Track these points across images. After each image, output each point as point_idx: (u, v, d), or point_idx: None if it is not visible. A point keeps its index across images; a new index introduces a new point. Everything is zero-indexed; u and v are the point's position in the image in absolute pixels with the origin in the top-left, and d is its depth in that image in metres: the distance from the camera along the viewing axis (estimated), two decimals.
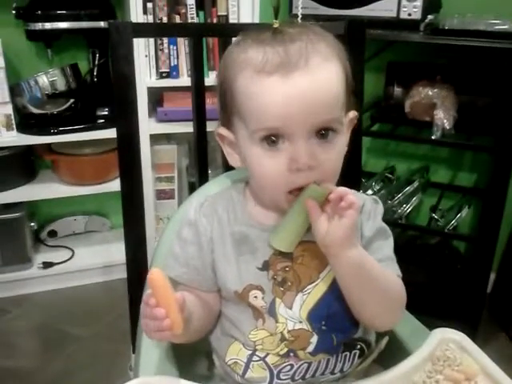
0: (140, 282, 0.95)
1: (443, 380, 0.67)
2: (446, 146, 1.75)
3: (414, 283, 1.83)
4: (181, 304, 0.60)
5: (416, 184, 1.84)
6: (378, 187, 1.91)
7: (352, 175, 0.86)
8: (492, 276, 1.91)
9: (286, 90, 0.60)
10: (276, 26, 0.64)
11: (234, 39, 0.73)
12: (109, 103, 1.90)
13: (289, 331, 0.69)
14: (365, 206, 0.74)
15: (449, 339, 0.72)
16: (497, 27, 1.46)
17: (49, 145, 1.95)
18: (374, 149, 2.04)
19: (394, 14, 1.57)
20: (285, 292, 0.69)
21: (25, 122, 1.87)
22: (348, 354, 0.71)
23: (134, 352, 0.96)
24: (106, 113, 1.92)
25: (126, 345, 1.04)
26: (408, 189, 1.83)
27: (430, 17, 1.57)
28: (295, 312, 0.69)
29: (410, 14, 1.55)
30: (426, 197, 1.92)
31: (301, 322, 0.69)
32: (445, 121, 1.58)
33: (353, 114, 0.69)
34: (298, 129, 0.62)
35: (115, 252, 2.06)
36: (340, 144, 0.66)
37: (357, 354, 0.72)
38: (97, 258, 2.11)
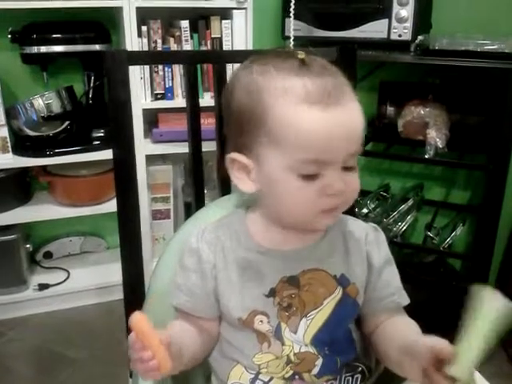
0: (137, 302, 0.95)
1: None
2: (439, 164, 1.76)
3: (410, 301, 1.84)
4: (167, 342, 0.60)
5: (410, 202, 1.85)
6: (372, 205, 1.92)
7: None
8: None
9: (328, 122, 0.62)
10: (302, 57, 0.65)
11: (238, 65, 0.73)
12: (104, 125, 1.91)
13: (295, 354, 0.69)
14: (368, 236, 0.75)
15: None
16: (486, 47, 1.49)
17: (44, 166, 1.95)
18: (369, 167, 2.05)
19: (384, 36, 1.60)
20: (290, 317, 0.70)
21: (20, 144, 1.87)
22: (350, 378, 0.72)
23: (131, 376, 0.96)
24: (102, 134, 1.92)
25: (123, 367, 1.04)
26: (403, 207, 1.84)
27: (420, 37, 1.60)
28: (299, 336, 0.70)
29: (400, 35, 1.58)
30: (421, 215, 1.93)
31: (306, 345, 0.70)
32: (437, 139, 1.60)
33: None
34: (335, 159, 0.64)
35: (111, 273, 2.04)
36: (357, 169, 0.69)
37: (359, 379, 0.72)
38: (93, 278, 2.10)
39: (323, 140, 0.62)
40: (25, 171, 1.95)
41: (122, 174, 0.96)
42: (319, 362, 0.70)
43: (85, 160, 1.90)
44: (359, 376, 0.72)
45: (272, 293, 0.70)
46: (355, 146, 0.65)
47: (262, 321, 0.69)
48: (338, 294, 0.71)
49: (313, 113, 0.62)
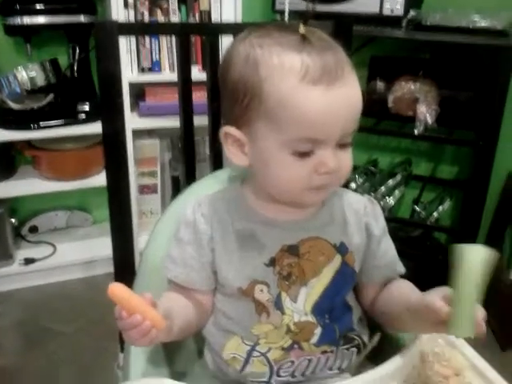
0: (127, 276, 0.95)
1: (432, 375, 0.68)
2: (428, 140, 1.77)
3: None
4: (151, 301, 0.60)
5: (399, 177, 1.86)
6: (361, 180, 1.93)
7: None
8: None
9: (329, 101, 0.61)
10: (303, 31, 0.63)
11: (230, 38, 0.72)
12: (89, 98, 1.88)
13: (295, 323, 0.70)
14: (367, 208, 0.76)
15: (437, 335, 0.73)
16: (478, 24, 1.48)
17: (29, 140, 1.92)
18: (357, 142, 2.02)
19: (376, 10, 1.58)
20: (290, 286, 0.70)
21: (4, 117, 1.83)
22: (346, 350, 0.73)
23: (121, 351, 0.96)
24: (87, 108, 1.89)
25: (111, 341, 1.04)
26: (391, 182, 1.85)
27: (412, 13, 1.59)
28: (300, 305, 0.70)
29: (392, 11, 1.57)
30: (409, 189, 1.94)
31: (306, 314, 0.71)
32: (427, 115, 1.61)
33: None
34: (331, 138, 0.63)
35: (98, 247, 2.04)
36: (351, 148, 0.68)
37: (354, 352, 0.74)
38: (79, 253, 2.09)
39: (320, 120, 0.62)
40: (9, 145, 1.92)
41: (112, 148, 0.95)
42: (318, 330, 0.70)
43: (70, 134, 1.87)
44: (355, 349, 0.73)
45: (272, 262, 0.70)
46: (353, 125, 0.65)
47: (262, 290, 0.70)
48: (336, 262, 0.72)
49: (310, 93, 0.61)
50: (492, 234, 1.93)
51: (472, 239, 1.66)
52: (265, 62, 0.63)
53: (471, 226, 1.65)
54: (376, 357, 0.76)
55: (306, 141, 0.63)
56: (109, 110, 0.93)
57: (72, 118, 1.88)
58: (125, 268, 1.00)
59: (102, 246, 1.91)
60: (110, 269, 1.00)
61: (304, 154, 0.64)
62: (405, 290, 0.73)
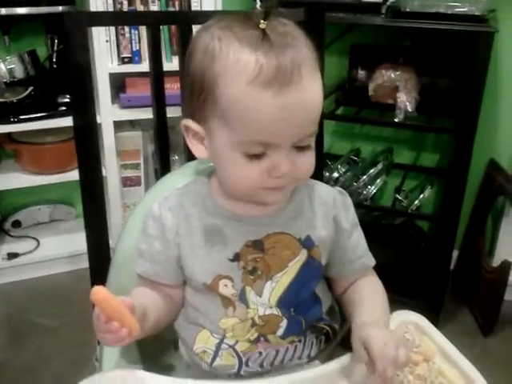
0: (103, 273, 0.95)
1: None
2: (408, 128, 1.78)
3: (380, 262, 1.88)
4: (131, 307, 0.60)
5: (380, 166, 1.86)
6: (343, 170, 1.93)
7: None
8: (455, 253, 1.96)
9: (280, 105, 0.59)
10: (263, 26, 0.60)
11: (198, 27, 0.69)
12: (69, 90, 1.86)
13: (260, 317, 0.70)
14: (336, 200, 0.76)
15: (408, 321, 0.74)
16: (457, 9, 1.48)
17: (9, 134, 1.90)
18: (339, 131, 2.06)
19: None
20: (255, 280, 0.70)
21: None
22: (315, 339, 0.73)
23: (98, 343, 0.96)
24: (67, 100, 1.87)
25: (94, 334, 1.04)
26: (373, 171, 1.85)
27: None
28: (265, 299, 0.70)
29: None
30: (390, 178, 1.95)
31: (271, 307, 0.71)
32: (407, 103, 1.61)
33: None
34: (284, 142, 0.62)
35: (81, 241, 1.98)
36: (314, 146, 0.67)
37: (323, 340, 0.74)
38: (63, 247, 2.08)
39: (270, 125, 0.60)
40: None
41: (84, 143, 0.94)
42: (284, 323, 0.71)
43: (51, 126, 1.85)
44: (323, 337, 0.74)
45: (236, 257, 0.70)
46: (310, 128, 0.63)
47: (226, 285, 0.70)
48: (302, 256, 0.71)
49: (261, 96, 0.59)
50: (473, 221, 1.95)
51: (453, 226, 1.67)
52: (221, 58, 0.62)
53: (452, 213, 1.65)
54: (348, 343, 0.76)
55: (256, 144, 0.62)
56: (80, 102, 0.92)
57: (52, 111, 1.86)
58: (100, 264, 0.99)
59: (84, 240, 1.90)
60: None
61: (256, 156, 0.62)
62: (362, 298, 0.75)
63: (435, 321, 1.73)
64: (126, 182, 2.13)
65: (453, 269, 1.97)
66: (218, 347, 0.71)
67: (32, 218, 2.18)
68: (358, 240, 0.77)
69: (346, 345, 0.76)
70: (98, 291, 0.58)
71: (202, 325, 0.72)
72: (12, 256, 1.99)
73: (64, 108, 1.87)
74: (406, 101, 1.61)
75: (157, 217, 0.72)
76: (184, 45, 0.98)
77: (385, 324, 0.70)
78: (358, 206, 1.90)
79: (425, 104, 1.64)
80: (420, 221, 2.04)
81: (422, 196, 1.78)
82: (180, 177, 0.85)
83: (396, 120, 1.62)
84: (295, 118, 0.61)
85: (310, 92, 0.61)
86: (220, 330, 0.71)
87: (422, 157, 2.00)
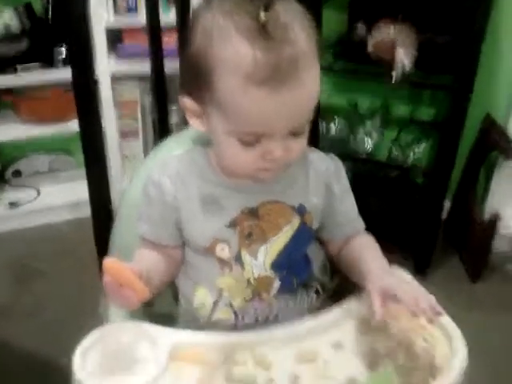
0: (104, 221, 0.98)
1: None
2: (406, 85, 1.77)
3: (375, 213, 1.92)
4: (140, 275, 0.64)
5: (377, 120, 1.88)
6: (341, 123, 1.94)
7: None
8: (448, 204, 2.01)
9: (275, 102, 0.60)
10: (263, 20, 0.60)
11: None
12: (66, 42, 1.85)
13: (254, 278, 0.74)
14: (329, 168, 0.79)
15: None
16: None
17: (7, 86, 1.90)
18: (338, 85, 2.05)
19: None
20: (250, 244, 0.74)
21: None
22: (306, 295, 0.78)
23: (103, 295, 1.00)
24: (64, 51, 1.86)
25: (95, 281, 1.08)
26: (369, 124, 1.87)
27: None
28: (259, 261, 0.74)
29: None
30: (387, 132, 1.97)
31: (265, 269, 0.75)
32: (405, 60, 1.60)
33: None
34: (279, 131, 0.64)
35: (81, 190, 2.01)
36: (308, 129, 0.69)
37: (314, 296, 0.78)
38: (62, 196, 2.12)
39: (266, 120, 0.62)
40: None
41: (83, 95, 0.94)
42: (277, 283, 0.75)
43: (47, 79, 1.86)
44: (313, 293, 0.78)
45: (233, 224, 0.73)
46: (304, 119, 0.65)
47: (223, 248, 0.73)
48: (295, 222, 0.75)
49: (257, 93, 0.60)
50: (466, 174, 1.98)
51: (445, 176, 1.71)
52: (219, 47, 0.62)
53: (445, 166, 1.68)
54: (337, 296, 0.80)
55: (250, 134, 0.64)
56: (77, 55, 0.92)
57: (50, 63, 1.87)
58: (102, 213, 1.02)
59: (85, 189, 1.92)
60: None
61: (250, 143, 0.65)
62: (361, 253, 0.78)
63: (426, 267, 1.82)
64: (124, 134, 2.15)
65: (445, 218, 2.03)
66: (216, 304, 0.75)
67: (32, 168, 2.21)
68: (349, 205, 0.80)
69: (334, 298, 0.81)
70: (110, 262, 0.61)
71: (200, 282, 0.76)
72: (13, 205, 2.03)
73: (61, 59, 1.87)
74: (403, 57, 1.61)
75: (156, 182, 0.75)
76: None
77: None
78: (354, 159, 1.94)
79: (423, 60, 1.64)
80: (415, 175, 2.06)
81: (417, 150, 1.80)
82: (175, 145, 0.87)
83: (394, 76, 1.62)
84: (290, 112, 0.62)
85: (306, 87, 0.62)
86: (217, 289, 0.75)
87: (420, 110, 2.01)
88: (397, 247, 1.86)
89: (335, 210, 0.79)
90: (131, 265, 0.65)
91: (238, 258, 0.74)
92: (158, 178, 0.75)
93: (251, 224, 0.73)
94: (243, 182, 0.73)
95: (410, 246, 1.86)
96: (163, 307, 0.85)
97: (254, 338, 0.71)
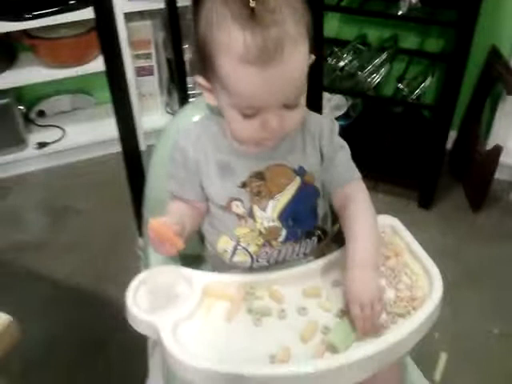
0: (134, 154, 1.08)
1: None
2: (411, 21, 1.80)
3: (383, 147, 2.01)
4: (179, 232, 0.77)
5: (385, 55, 1.92)
6: (350, 58, 1.99)
7: (313, 86, 0.89)
8: (453, 134, 2.08)
9: (264, 79, 0.69)
10: (253, 5, 0.67)
11: None
12: None
13: (265, 228, 0.87)
14: (323, 131, 0.88)
15: (385, 225, 0.89)
16: None
17: (25, 30, 1.96)
18: (346, 17, 2.07)
19: None
20: (260, 200, 0.86)
21: None
22: (309, 241, 0.91)
23: (140, 235, 1.14)
24: None
25: (129, 217, 1.16)
26: (378, 60, 1.92)
27: None
28: (268, 214, 0.87)
29: None
30: (395, 65, 2.02)
31: (273, 220, 0.87)
32: None
33: (311, 59, 0.78)
34: (272, 105, 0.74)
35: (105, 128, 2.14)
36: (303, 102, 0.78)
37: (316, 241, 0.91)
38: (87, 134, 2.23)
39: (257, 96, 0.72)
40: (6, 36, 1.97)
41: (104, 31, 0.96)
42: (283, 232, 0.88)
43: (63, 21, 1.92)
44: (316, 239, 0.91)
45: (244, 185, 0.86)
46: (294, 94, 0.74)
47: (237, 205, 0.87)
48: (296, 181, 0.87)
49: (248, 72, 0.69)
50: (471, 106, 2.04)
51: (450, 107, 1.76)
52: (218, 33, 0.71)
53: (450, 99, 1.74)
54: (338, 240, 0.92)
55: (249, 107, 0.74)
56: None
57: (63, 5, 1.91)
58: (130, 146, 1.08)
59: (108, 126, 1.98)
60: (119, 148, 1.08)
61: (250, 115, 0.75)
62: (350, 228, 0.85)
63: (431, 198, 1.94)
64: (140, 72, 2.22)
65: (450, 149, 2.11)
66: (235, 248, 0.89)
67: (55, 108, 2.31)
68: (343, 160, 0.89)
69: (337, 242, 0.93)
70: (153, 224, 0.73)
71: (222, 231, 0.90)
72: (42, 145, 2.15)
73: (74, 1, 1.92)
74: None
75: (181, 148, 0.87)
76: None
77: (370, 260, 0.80)
78: (361, 95, 2.00)
79: None
80: (421, 110, 2.13)
81: (423, 85, 1.86)
82: (195, 111, 0.98)
83: (399, 12, 1.66)
84: (279, 88, 0.72)
85: (291, 65, 0.71)
86: (235, 237, 0.89)
87: (427, 42, 2.04)
88: (403, 179, 1.98)
89: (330, 167, 0.89)
90: (168, 219, 0.78)
91: (251, 213, 0.87)
92: (183, 143, 0.87)
93: (259, 184, 0.86)
94: (250, 149, 0.85)
95: (416, 177, 1.95)
96: (193, 249, 0.97)
97: (269, 277, 0.85)
